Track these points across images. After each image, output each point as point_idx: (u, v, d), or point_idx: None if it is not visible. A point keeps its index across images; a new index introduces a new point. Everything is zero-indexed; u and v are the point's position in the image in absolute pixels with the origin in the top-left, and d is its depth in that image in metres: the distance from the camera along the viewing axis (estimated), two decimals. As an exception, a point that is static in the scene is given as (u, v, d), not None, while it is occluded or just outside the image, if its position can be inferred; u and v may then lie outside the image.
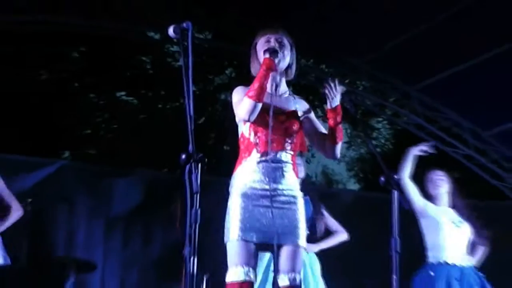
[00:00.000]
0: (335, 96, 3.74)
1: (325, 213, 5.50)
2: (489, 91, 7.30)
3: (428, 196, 5.40)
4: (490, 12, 6.45)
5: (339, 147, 3.82)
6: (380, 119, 13.62)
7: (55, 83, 14.11)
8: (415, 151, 5.37)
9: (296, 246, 3.73)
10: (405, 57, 7.27)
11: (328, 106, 3.77)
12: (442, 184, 5.41)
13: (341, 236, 5.48)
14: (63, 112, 13.60)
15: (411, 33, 6.86)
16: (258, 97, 3.63)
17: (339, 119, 3.80)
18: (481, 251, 5.47)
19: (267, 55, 3.66)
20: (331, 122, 3.80)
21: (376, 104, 8.09)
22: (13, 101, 11.90)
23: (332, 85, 3.70)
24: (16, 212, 5.28)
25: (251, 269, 3.62)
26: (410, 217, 5.35)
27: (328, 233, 5.46)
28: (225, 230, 3.70)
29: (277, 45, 3.75)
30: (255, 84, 3.63)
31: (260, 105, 3.63)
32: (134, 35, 7.75)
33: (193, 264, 3.18)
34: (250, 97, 3.61)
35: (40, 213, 6.35)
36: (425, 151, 5.32)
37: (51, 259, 6.15)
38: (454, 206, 5.41)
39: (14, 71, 12.52)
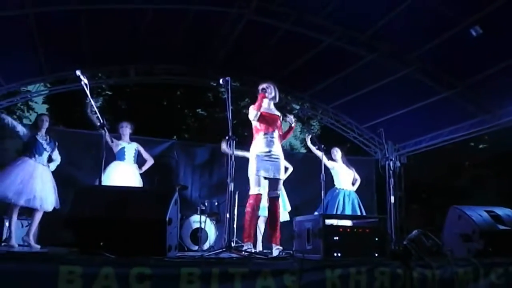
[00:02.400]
0: (292, 122, 3.81)
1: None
2: (364, 107, 7.13)
3: (332, 158, 5.38)
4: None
5: (286, 139, 3.91)
6: (315, 120, 13.39)
7: (170, 105, 14.27)
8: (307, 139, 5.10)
9: (279, 178, 3.69)
10: (326, 93, 7.10)
11: (289, 126, 3.88)
12: (338, 153, 5.38)
13: (290, 169, 5.28)
14: (172, 119, 13.75)
15: (330, 80, 6.65)
16: (258, 109, 3.65)
17: (291, 129, 3.88)
18: (350, 182, 5.38)
19: (263, 91, 3.72)
20: (289, 131, 3.89)
21: (312, 114, 7.95)
22: (151, 114, 11.97)
23: (290, 119, 3.83)
24: (149, 162, 5.18)
25: (261, 188, 3.58)
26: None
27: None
28: (249, 170, 3.67)
29: (267, 89, 3.77)
30: (257, 103, 3.69)
31: (259, 113, 3.66)
32: (205, 84, 7.54)
33: (231, 186, 3.12)
34: (254, 109, 3.67)
35: (162, 164, 6.24)
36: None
37: (165, 184, 6.07)
38: (344, 162, 5.38)
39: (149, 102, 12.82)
